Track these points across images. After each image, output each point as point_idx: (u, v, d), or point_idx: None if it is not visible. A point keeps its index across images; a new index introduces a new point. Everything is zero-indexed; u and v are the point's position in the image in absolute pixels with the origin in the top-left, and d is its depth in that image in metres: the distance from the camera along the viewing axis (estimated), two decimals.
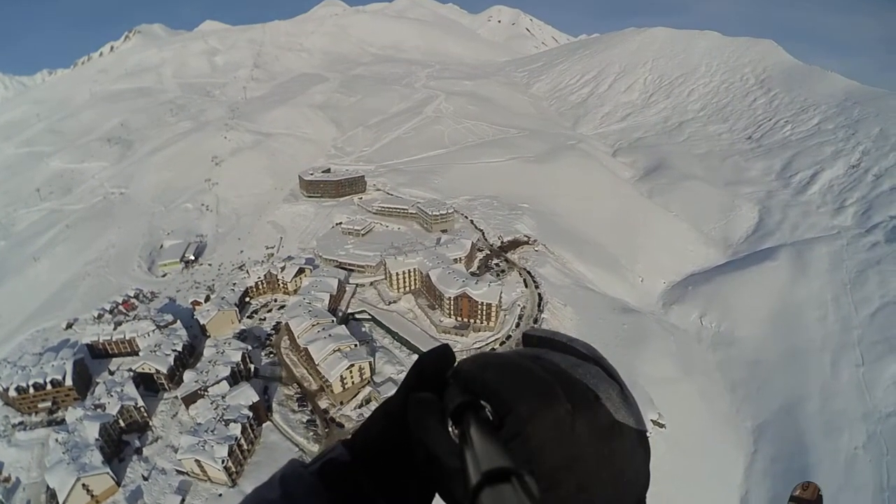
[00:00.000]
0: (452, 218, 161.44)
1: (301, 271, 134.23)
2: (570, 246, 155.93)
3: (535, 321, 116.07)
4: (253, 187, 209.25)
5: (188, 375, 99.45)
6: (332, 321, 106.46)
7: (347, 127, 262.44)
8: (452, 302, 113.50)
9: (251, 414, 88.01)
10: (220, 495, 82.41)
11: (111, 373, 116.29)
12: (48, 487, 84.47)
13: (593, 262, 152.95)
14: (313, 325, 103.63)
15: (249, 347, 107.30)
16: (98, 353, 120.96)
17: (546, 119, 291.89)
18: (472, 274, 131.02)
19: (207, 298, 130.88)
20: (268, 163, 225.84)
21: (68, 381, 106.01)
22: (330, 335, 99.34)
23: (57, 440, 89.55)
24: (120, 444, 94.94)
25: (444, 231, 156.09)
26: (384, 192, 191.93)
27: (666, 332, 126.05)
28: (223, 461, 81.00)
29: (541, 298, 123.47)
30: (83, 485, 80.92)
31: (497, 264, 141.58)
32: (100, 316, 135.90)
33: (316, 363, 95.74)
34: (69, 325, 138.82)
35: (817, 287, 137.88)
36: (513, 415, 1.81)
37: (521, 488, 1.57)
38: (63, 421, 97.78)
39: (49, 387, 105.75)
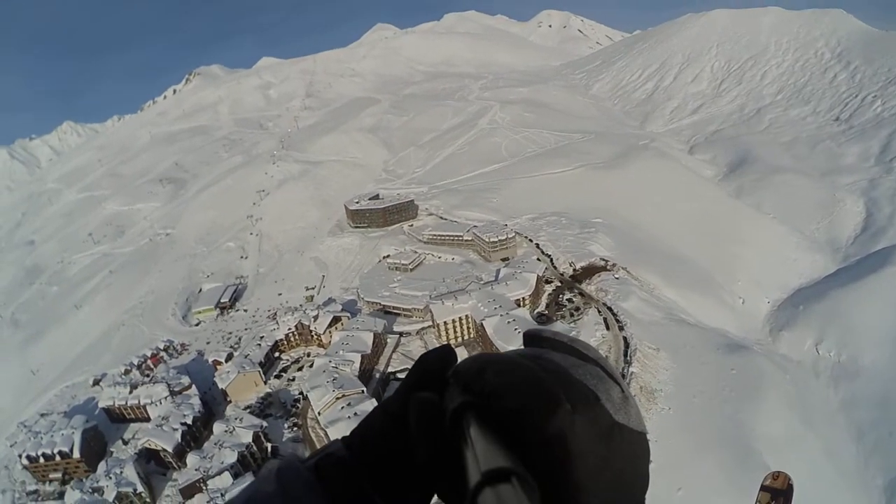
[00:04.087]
0: (514, 243, 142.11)
1: (336, 320, 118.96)
2: (655, 266, 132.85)
3: (623, 376, 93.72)
4: (298, 220, 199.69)
5: (191, 459, 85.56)
6: (362, 392, 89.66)
7: (398, 148, 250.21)
8: None
9: None
10: None
11: (125, 442, 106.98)
12: None
13: (685, 285, 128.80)
14: (337, 399, 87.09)
15: (265, 424, 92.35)
16: (115, 418, 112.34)
17: (611, 120, 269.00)
18: (540, 317, 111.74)
19: (230, 357, 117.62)
20: (314, 192, 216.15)
21: (76, 453, 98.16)
22: (355, 414, 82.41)
23: None
24: None
25: (504, 260, 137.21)
26: (437, 216, 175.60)
27: (780, 371, 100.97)
28: None
29: (627, 344, 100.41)
30: None
31: (570, 300, 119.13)
32: (126, 371, 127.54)
33: None
34: (96, 382, 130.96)
35: None
36: (513, 415, 1.82)
37: (521, 488, 1.57)
38: None
39: (58, 458, 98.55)
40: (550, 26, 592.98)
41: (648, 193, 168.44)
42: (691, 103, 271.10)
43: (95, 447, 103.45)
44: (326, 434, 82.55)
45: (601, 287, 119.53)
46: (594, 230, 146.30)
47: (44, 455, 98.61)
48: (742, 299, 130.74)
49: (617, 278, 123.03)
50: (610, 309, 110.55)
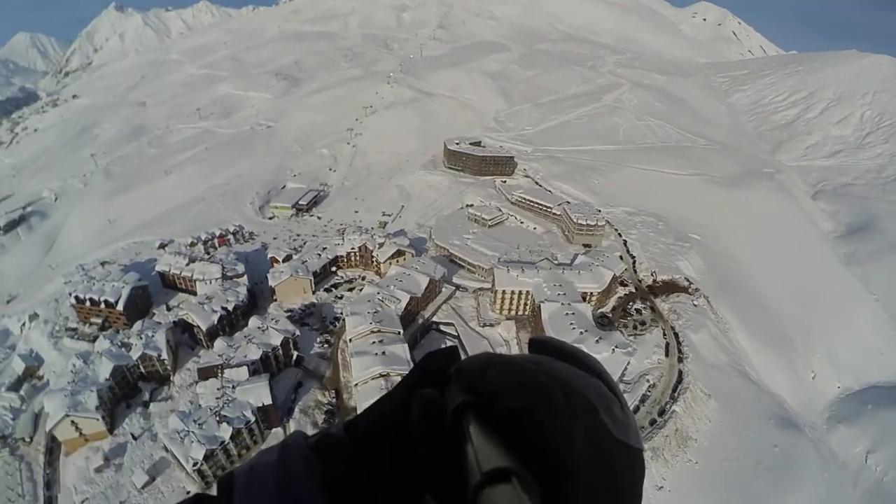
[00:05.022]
0: (601, 232, 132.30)
1: (400, 254, 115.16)
2: (738, 305, 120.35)
3: (662, 412, 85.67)
4: (395, 145, 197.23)
5: (219, 344, 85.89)
6: (399, 333, 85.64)
7: (516, 101, 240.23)
8: None
9: (253, 418, 70.74)
10: (189, 493, 69.11)
11: (168, 308, 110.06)
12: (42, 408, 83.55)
13: (761, 336, 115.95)
14: (372, 332, 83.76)
15: (297, 333, 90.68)
16: (167, 284, 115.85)
17: (742, 135, 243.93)
18: (601, 319, 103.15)
19: (288, 258, 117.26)
20: (419, 123, 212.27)
21: (120, 306, 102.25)
22: (384, 353, 78.92)
23: (73, 366, 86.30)
24: (135, 389, 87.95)
25: (586, 246, 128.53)
26: (533, 180, 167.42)
27: (821, 465, 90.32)
28: (196, 464, 67.14)
29: (680, 379, 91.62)
30: (72, 421, 76.58)
31: (638, 311, 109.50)
32: (192, 244, 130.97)
33: (354, 383, 75.67)
34: (162, 246, 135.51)
35: None
36: (514, 416, 1.86)
37: (521, 488, 1.60)
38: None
39: (102, 306, 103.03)
40: (705, 20, 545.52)
41: (756, 226, 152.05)
42: (830, 145, 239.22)
43: (140, 305, 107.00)
44: (350, 364, 79.45)
45: (675, 309, 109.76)
46: (688, 246, 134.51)
47: (91, 300, 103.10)
48: (814, 374, 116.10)
49: (695, 305, 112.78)
50: (676, 336, 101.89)
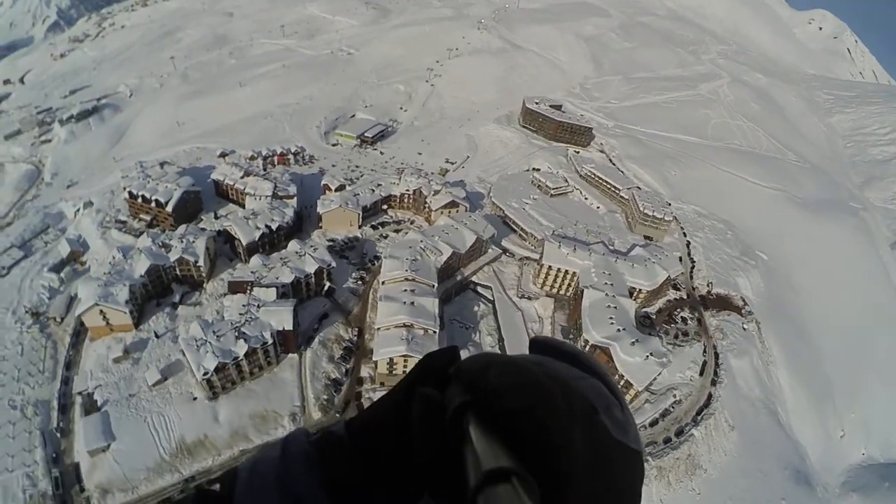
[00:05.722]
0: (666, 228, 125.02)
1: (454, 205, 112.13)
2: (788, 339, 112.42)
3: (680, 433, 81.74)
4: (473, 93, 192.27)
5: (255, 261, 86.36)
6: (432, 287, 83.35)
7: (606, 71, 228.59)
8: (587, 347, 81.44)
9: (271, 340, 70.47)
10: (195, 399, 72.00)
11: (216, 217, 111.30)
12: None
13: (802, 378, 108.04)
14: (406, 280, 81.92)
15: (333, 264, 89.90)
16: (220, 193, 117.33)
17: (834, 160, 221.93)
18: (643, 319, 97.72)
19: (341, 188, 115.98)
20: (502, 74, 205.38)
21: (169, 207, 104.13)
22: (412, 303, 77.19)
23: (113, 257, 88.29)
24: (168, 289, 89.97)
25: (647, 238, 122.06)
26: (607, 156, 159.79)
27: None
28: (206, 374, 67.75)
29: (708, 402, 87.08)
30: (101, 310, 79.03)
31: (684, 320, 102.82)
32: (252, 158, 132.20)
33: (377, 327, 74.36)
34: (223, 155, 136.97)
35: None
36: (514, 416, 1.85)
37: (521, 488, 1.61)
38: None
39: (153, 204, 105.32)
40: (821, 28, 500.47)
41: (828, 261, 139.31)
42: None
43: (190, 209, 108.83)
44: (376, 306, 78.06)
45: (722, 327, 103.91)
46: (753, 264, 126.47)
47: (143, 197, 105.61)
48: (843, 433, 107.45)
49: (744, 328, 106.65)
50: (717, 356, 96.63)
